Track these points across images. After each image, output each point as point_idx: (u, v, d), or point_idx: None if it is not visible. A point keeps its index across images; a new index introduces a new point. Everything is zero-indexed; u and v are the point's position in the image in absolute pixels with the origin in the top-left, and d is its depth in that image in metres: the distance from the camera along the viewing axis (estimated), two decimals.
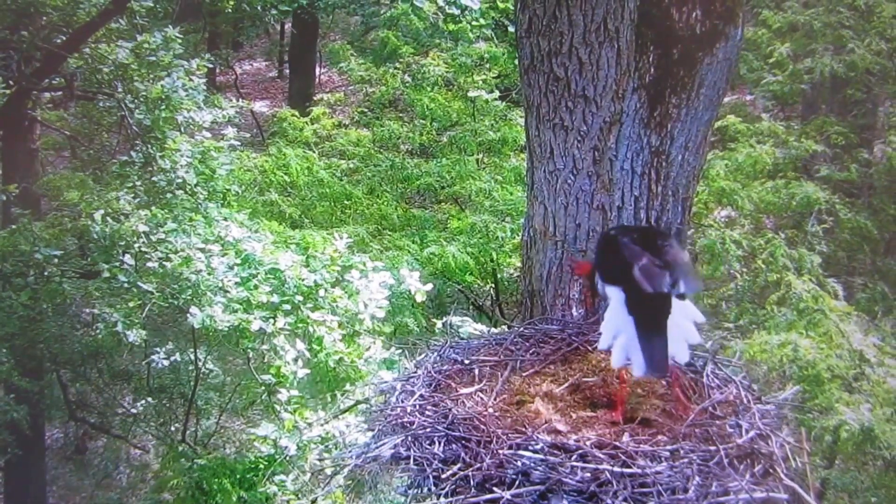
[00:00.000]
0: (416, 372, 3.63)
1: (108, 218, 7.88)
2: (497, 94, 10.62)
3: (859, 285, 9.38)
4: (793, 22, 9.93)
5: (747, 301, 8.30)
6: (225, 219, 7.74)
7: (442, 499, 2.98)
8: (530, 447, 3.01)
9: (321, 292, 6.92)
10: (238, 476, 6.74)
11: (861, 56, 9.29)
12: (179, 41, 8.80)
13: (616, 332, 3.10)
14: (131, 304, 7.41)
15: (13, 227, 8.89)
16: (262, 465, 6.65)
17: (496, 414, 3.24)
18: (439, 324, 6.49)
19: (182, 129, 8.64)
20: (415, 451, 3.12)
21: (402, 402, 3.41)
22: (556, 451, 3.00)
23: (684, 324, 3.13)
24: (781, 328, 7.22)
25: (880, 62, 9.56)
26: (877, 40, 9.40)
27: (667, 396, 3.35)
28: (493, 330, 6.38)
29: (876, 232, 9.27)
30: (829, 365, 6.84)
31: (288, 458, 6.47)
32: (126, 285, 7.47)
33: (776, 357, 6.70)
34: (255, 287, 6.98)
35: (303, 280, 6.92)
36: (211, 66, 12.03)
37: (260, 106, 18.60)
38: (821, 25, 9.68)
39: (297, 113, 11.25)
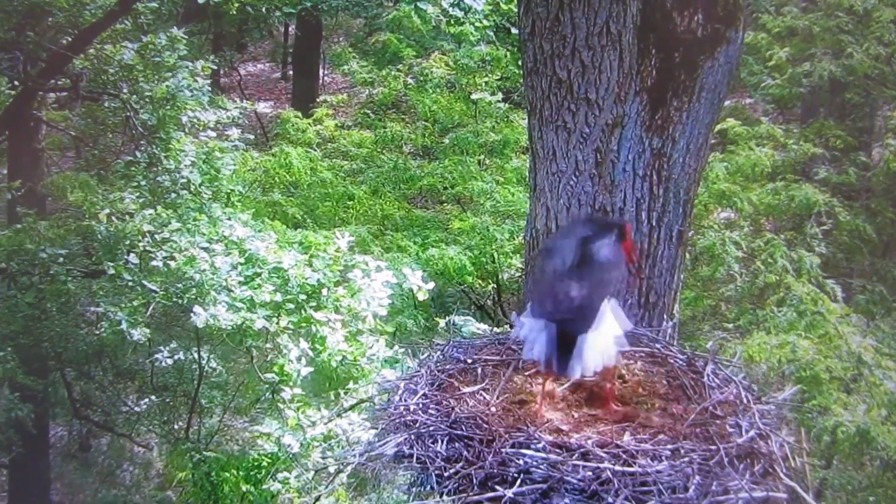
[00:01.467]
0: (419, 371, 3.65)
1: (113, 217, 7.92)
2: (500, 96, 10.66)
3: (858, 287, 9.41)
4: (792, 26, 9.95)
5: (747, 302, 8.34)
6: (229, 218, 7.78)
7: (445, 497, 3.00)
8: (532, 446, 3.04)
9: (324, 291, 6.96)
10: (242, 473, 6.78)
11: (859, 60, 9.31)
12: (184, 42, 8.83)
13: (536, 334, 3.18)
14: (135, 303, 7.44)
15: (18, 226, 8.92)
16: (265, 463, 6.69)
17: (498, 413, 3.27)
18: (442, 323, 6.54)
19: (186, 129, 8.67)
20: (418, 450, 3.14)
21: (406, 400, 3.44)
22: (557, 450, 3.03)
23: (610, 333, 3.19)
24: (781, 329, 7.25)
25: (878, 66, 9.59)
26: (875, 45, 9.42)
27: (669, 396, 3.39)
28: (496, 329, 6.43)
29: (874, 234, 9.30)
30: (828, 366, 6.88)
31: (291, 455, 6.51)
32: (130, 284, 7.51)
33: (775, 357, 6.74)
34: (259, 286, 7.01)
35: (306, 279, 6.96)
36: (215, 67, 12.06)
37: (264, 107, 18.62)
38: (819, 30, 9.70)
39: (300, 114, 11.30)
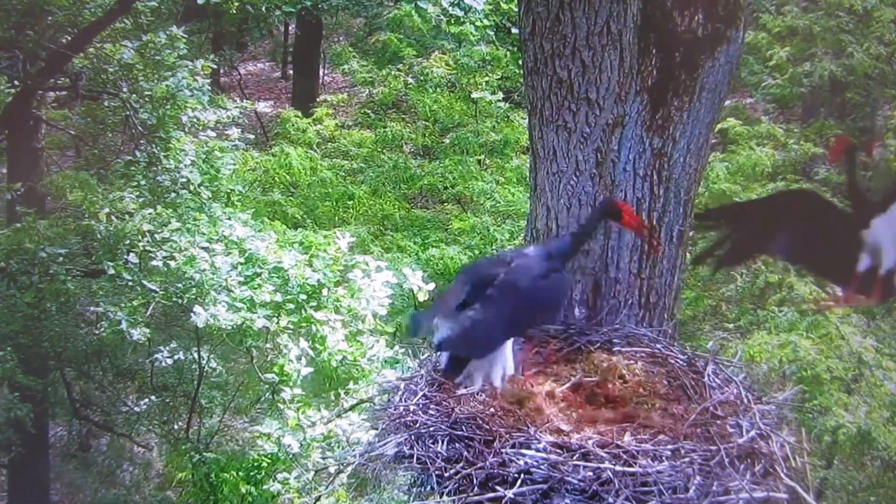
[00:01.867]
0: (419, 371, 3.65)
1: (113, 217, 7.91)
2: (500, 95, 10.64)
3: None
4: (792, 26, 9.95)
5: (747, 302, 8.33)
6: (229, 218, 7.77)
7: (445, 497, 3.00)
8: (533, 446, 3.04)
9: (324, 291, 6.95)
10: (242, 474, 6.76)
11: (860, 60, 9.32)
12: (184, 41, 8.82)
13: None
14: (135, 303, 7.43)
15: (18, 225, 8.90)
16: (265, 463, 6.68)
17: (499, 413, 3.27)
18: None
19: (186, 128, 8.66)
20: (418, 450, 3.15)
21: (406, 401, 3.44)
22: (558, 450, 3.03)
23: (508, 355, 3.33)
24: (782, 329, 7.24)
25: (879, 66, 9.59)
26: (875, 44, 9.43)
27: (669, 396, 3.39)
28: None
29: None
30: (829, 366, 6.87)
31: (291, 456, 6.50)
32: (130, 284, 7.50)
33: (776, 357, 6.72)
34: (259, 286, 7.00)
35: (306, 279, 6.95)
36: (215, 66, 12.04)
37: (263, 107, 18.58)
38: (820, 29, 9.71)
39: (300, 114, 11.29)
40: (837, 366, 6.94)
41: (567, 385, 3.44)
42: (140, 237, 7.64)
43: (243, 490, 6.66)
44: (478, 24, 11.15)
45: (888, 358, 7.29)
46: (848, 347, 7.05)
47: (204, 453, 7.30)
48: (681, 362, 3.59)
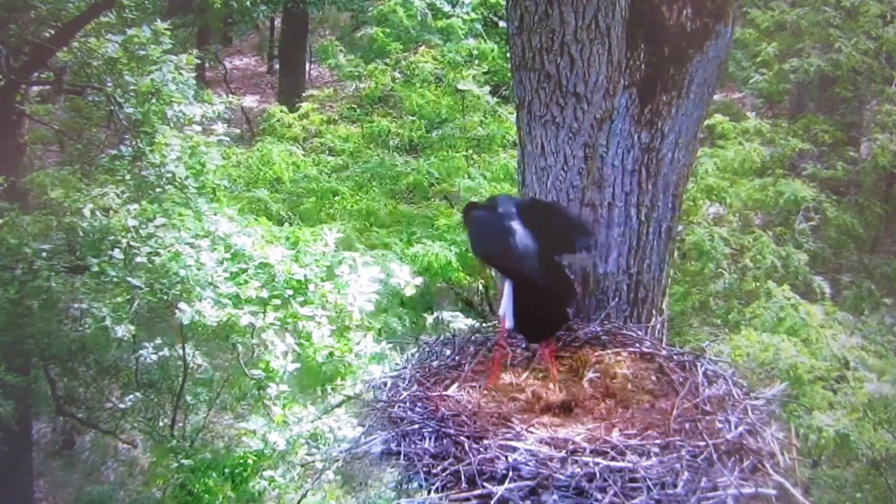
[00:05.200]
0: (405, 367, 3.63)
1: (97, 212, 7.85)
2: (487, 89, 10.61)
3: (846, 282, 9.43)
4: (780, 21, 9.98)
5: (734, 298, 8.34)
6: (215, 213, 7.72)
7: (433, 494, 2.98)
8: (521, 442, 3.02)
9: (311, 287, 6.92)
10: (227, 471, 6.72)
11: (847, 55, 9.35)
12: (169, 35, 8.75)
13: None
14: (120, 299, 7.38)
15: (0, 220, 8.82)
16: (250, 461, 6.64)
17: (486, 410, 3.25)
18: (430, 319, 6.51)
19: (171, 123, 8.60)
20: (405, 447, 3.12)
21: (392, 397, 3.41)
22: (546, 447, 3.01)
23: None
24: (767, 328, 7.23)
25: (866, 61, 9.63)
26: (863, 39, 9.47)
27: (657, 392, 3.38)
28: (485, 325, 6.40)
29: (862, 229, 9.33)
30: (812, 365, 6.87)
31: (277, 452, 6.47)
32: (115, 280, 7.45)
33: (759, 359, 6.73)
34: (245, 282, 6.97)
35: (293, 275, 6.92)
36: (200, 61, 11.97)
37: (249, 101, 18.51)
38: (808, 24, 9.74)
39: (286, 108, 11.24)
40: (822, 366, 6.94)
41: (555, 381, 3.42)
42: (124, 233, 7.58)
43: (223, 496, 6.59)
44: (464, 17, 11.11)
45: (874, 355, 7.30)
46: (830, 350, 7.05)
47: (183, 460, 7.19)
48: (669, 358, 3.58)
